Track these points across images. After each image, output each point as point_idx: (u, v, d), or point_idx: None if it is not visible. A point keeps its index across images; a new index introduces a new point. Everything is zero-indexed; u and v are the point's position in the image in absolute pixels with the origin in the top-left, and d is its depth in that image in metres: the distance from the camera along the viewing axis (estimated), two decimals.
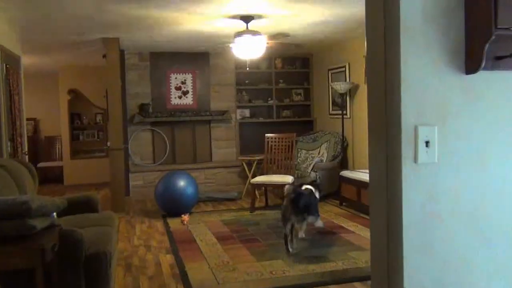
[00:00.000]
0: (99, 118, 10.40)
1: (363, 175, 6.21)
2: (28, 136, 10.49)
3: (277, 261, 4.25)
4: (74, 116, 10.24)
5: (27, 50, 7.41)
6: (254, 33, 5.26)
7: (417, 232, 1.70)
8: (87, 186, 9.59)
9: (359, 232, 5.20)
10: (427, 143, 1.75)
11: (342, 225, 5.59)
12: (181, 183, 6.30)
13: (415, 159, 1.74)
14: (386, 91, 1.78)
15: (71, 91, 9.81)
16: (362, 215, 6.07)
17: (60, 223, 2.97)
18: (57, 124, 10.08)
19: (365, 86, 6.22)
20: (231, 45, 5.37)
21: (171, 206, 6.30)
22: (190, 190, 6.33)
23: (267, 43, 5.37)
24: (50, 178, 10.50)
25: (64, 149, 9.96)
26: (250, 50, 5.34)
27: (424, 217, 1.69)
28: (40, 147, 10.80)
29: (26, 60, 8.53)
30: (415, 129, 1.73)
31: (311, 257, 4.32)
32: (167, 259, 4.45)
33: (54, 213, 4.05)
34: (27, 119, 10.54)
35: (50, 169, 10.50)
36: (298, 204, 4.35)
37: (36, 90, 10.47)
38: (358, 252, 4.44)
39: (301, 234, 4.75)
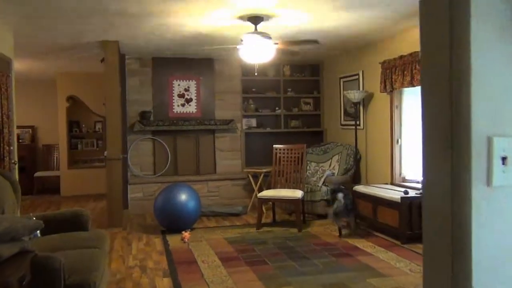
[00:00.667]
0: (98, 126, 9.99)
1: (380, 191, 5.73)
2: (25, 145, 10.14)
3: None
4: (72, 124, 9.84)
5: (23, 55, 7.04)
6: (264, 35, 4.83)
7: (491, 273, 1.28)
8: (85, 197, 9.16)
9: (377, 254, 4.71)
10: (504, 159, 1.31)
11: (357, 245, 5.09)
12: (182, 196, 5.84)
13: (489, 181, 1.30)
14: (450, 91, 1.34)
15: (70, 98, 9.41)
16: (378, 234, 5.57)
17: (34, 249, 2.49)
18: (55, 132, 9.67)
19: (380, 95, 5.72)
20: (238, 46, 4.93)
21: (171, 221, 5.84)
22: (191, 205, 5.87)
23: (276, 43, 4.93)
24: (48, 188, 10.08)
25: (61, 158, 9.53)
26: (258, 53, 4.90)
27: (500, 254, 1.30)
28: (38, 156, 10.39)
29: (23, 66, 8.17)
30: (489, 140, 1.29)
31: (328, 285, 3.83)
32: (164, 284, 3.98)
33: (38, 232, 3.61)
34: (24, 127, 10.22)
35: (47, 179, 10.07)
36: (349, 206, 5.45)
37: (34, 97, 10.13)
38: (379, 279, 3.94)
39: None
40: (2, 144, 4.93)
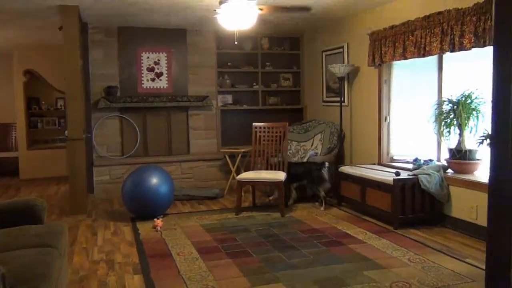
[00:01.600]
0: (60, 103, 9.22)
1: (368, 172, 5.33)
2: None
3: (278, 285, 3.32)
4: (31, 101, 9.04)
5: None
6: None
7: None
8: (47, 180, 8.47)
9: (370, 242, 4.31)
10: None
11: (347, 231, 4.69)
12: (153, 180, 5.28)
13: None
14: None
15: (27, 73, 8.59)
16: (368, 218, 5.19)
17: None
18: (12, 110, 8.85)
19: (368, 69, 5.22)
20: (217, 10, 4.34)
21: (141, 208, 5.29)
22: (164, 189, 5.32)
23: (261, 9, 4.37)
24: (6, 171, 9.30)
25: (19, 138, 8.75)
26: (238, 18, 4.33)
27: None
28: None
29: None
30: None
31: (322, 280, 3.39)
32: (135, 283, 3.46)
33: None
34: None
35: (5, 160, 9.29)
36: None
37: None
38: (376, 272, 3.54)
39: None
40: None
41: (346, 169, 5.74)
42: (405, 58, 5.21)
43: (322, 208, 5.66)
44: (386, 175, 5.02)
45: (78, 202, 5.69)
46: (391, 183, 4.76)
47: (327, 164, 5.82)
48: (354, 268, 3.63)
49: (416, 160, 5.20)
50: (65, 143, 8.27)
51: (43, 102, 9.17)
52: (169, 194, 5.41)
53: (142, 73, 7.13)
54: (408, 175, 4.91)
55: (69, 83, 5.65)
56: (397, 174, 4.94)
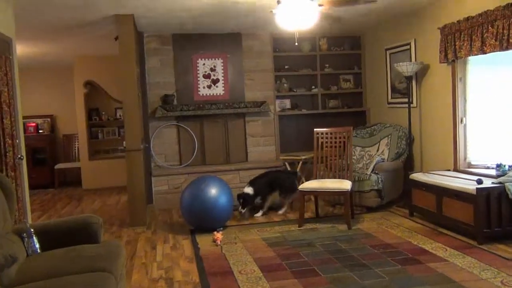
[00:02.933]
0: (119, 113, 9.29)
1: (444, 180, 4.82)
2: (45, 135, 9.56)
3: None
4: (92, 112, 9.18)
5: (33, 37, 6.39)
6: None
7: None
8: (108, 190, 8.55)
9: (453, 260, 3.84)
10: None
11: (424, 247, 4.23)
12: (212, 191, 5.07)
13: None
14: None
15: (88, 84, 8.73)
16: (445, 231, 4.69)
17: None
18: (74, 121, 9.03)
19: (439, 67, 4.64)
20: (273, 10, 4.06)
21: (201, 220, 5.09)
22: (223, 200, 5.10)
23: (321, 4, 4.03)
24: (69, 181, 9.54)
25: (81, 149, 8.90)
26: (298, 17, 4.02)
27: None
28: (58, 147, 9.81)
29: (37, 50, 7.51)
30: None
31: None
32: None
33: (38, 247, 2.89)
34: (43, 116, 9.64)
35: (68, 171, 9.52)
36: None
37: (52, 84, 9.57)
38: None
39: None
40: (2, 137, 4.23)
41: (418, 176, 5.25)
42: (484, 53, 4.67)
43: (280, 212, 5.86)
44: (466, 183, 4.51)
45: (137, 214, 5.59)
46: (473, 192, 4.25)
47: (299, 173, 6.11)
48: None
49: (499, 165, 4.65)
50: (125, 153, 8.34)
51: (103, 113, 9.30)
52: (228, 205, 5.18)
53: (199, 80, 6.99)
54: (493, 183, 4.38)
55: (125, 93, 5.58)
56: (479, 182, 4.42)
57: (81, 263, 2.59)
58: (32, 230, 2.92)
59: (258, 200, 5.78)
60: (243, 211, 5.63)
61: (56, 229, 3.08)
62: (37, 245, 2.91)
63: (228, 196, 5.19)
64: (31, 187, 8.66)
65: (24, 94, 9.14)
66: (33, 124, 9.48)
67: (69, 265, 2.56)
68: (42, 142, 9.37)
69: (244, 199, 5.66)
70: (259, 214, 5.78)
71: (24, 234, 2.91)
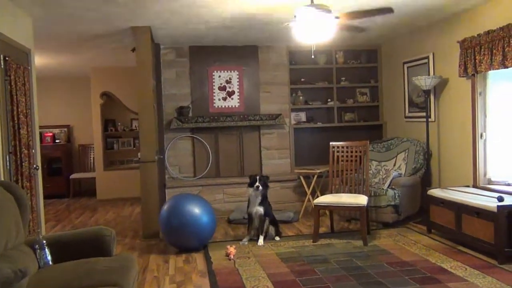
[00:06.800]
0: (135, 124, 9.35)
1: (464, 196, 4.70)
2: (61, 145, 9.63)
3: None
4: (108, 123, 9.24)
5: (51, 48, 6.47)
6: (322, 7, 3.91)
7: None
8: (122, 200, 8.56)
9: (473, 280, 3.71)
10: None
11: (443, 265, 4.11)
12: (195, 210, 4.85)
13: None
14: None
15: (104, 95, 8.80)
16: (465, 250, 4.55)
17: None
18: (90, 131, 9.10)
19: (458, 81, 4.50)
20: (290, 24, 4.04)
21: (182, 241, 4.92)
22: (205, 219, 4.89)
23: (337, 17, 3.99)
24: (84, 191, 9.60)
25: (97, 159, 8.95)
26: (316, 30, 3.99)
27: None
28: (74, 157, 9.88)
29: (55, 61, 7.61)
30: None
31: None
32: None
33: (49, 259, 2.87)
34: (60, 127, 9.74)
35: (84, 181, 9.58)
36: None
37: (69, 95, 9.68)
38: None
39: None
40: (19, 148, 4.25)
41: (436, 192, 5.13)
42: (505, 67, 4.57)
43: (260, 243, 5.08)
44: (486, 200, 4.39)
45: (151, 226, 5.55)
46: (494, 210, 4.13)
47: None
48: None
49: None
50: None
51: (119, 124, 9.36)
52: (211, 224, 4.98)
53: (214, 92, 6.99)
54: None
55: (141, 104, 5.59)
56: (500, 199, 4.29)
57: (92, 277, 2.56)
58: (44, 242, 2.90)
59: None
60: (260, 187, 5.19)
61: (69, 241, 3.06)
62: (49, 257, 2.89)
63: (210, 215, 4.97)
64: (46, 196, 8.69)
65: (42, 104, 9.24)
66: (50, 134, 9.58)
67: (80, 279, 2.53)
68: (58, 152, 9.44)
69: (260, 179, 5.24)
70: (261, 240, 5.13)
71: (37, 246, 2.89)
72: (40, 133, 9.36)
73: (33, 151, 4.62)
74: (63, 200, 9.01)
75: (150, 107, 5.62)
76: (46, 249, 2.89)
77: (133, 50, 5.68)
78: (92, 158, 9.61)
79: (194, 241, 4.87)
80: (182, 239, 4.87)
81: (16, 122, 4.21)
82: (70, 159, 9.73)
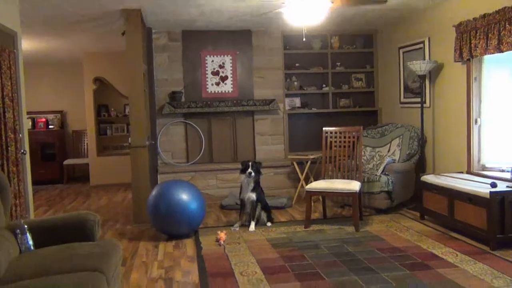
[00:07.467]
0: (128, 109, 9.23)
1: (457, 182, 4.66)
2: (54, 131, 9.55)
3: None
4: (101, 108, 9.15)
5: (41, 31, 6.34)
6: None
7: None
8: (115, 186, 8.50)
9: (464, 266, 3.68)
10: None
11: (434, 251, 4.07)
12: (183, 196, 4.76)
13: None
14: None
15: (97, 80, 8.69)
16: (457, 236, 4.52)
17: None
18: (84, 117, 9.00)
19: (453, 66, 4.37)
20: (281, 9, 3.94)
21: (170, 228, 4.85)
22: (194, 206, 4.80)
23: (332, 1, 3.90)
24: (78, 177, 9.54)
25: (90, 145, 8.87)
26: (307, 13, 3.90)
27: None
28: (68, 143, 9.80)
29: (45, 45, 7.48)
30: None
31: None
32: None
33: (31, 244, 2.82)
34: (53, 112, 9.63)
35: (77, 166, 9.53)
36: None
37: (61, 80, 9.57)
38: None
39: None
40: (4, 131, 4.17)
41: (429, 178, 5.08)
42: (501, 51, 4.49)
43: (251, 229, 5.04)
44: (479, 187, 4.34)
45: (142, 211, 5.49)
46: (487, 196, 4.08)
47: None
48: None
49: None
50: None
51: (112, 109, 9.27)
52: (200, 210, 4.88)
53: (207, 77, 6.89)
54: (507, 186, 4.20)
55: (132, 89, 5.51)
56: (493, 185, 4.24)
57: (73, 262, 2.51)
58: (25, 226, 2.84)
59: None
60: (252, 173, 5.14)
61: (52, 226, 3.00)
62: (31, 242, 2.84)
63: (199, 201, 4.89)
64: (40, 182, 8.75)
65: (34, 90, 9.22)
66: (43, 120, 9.49)
67: (60, 264, 2.48)
68: (52, 138, 9.37)
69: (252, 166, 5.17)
70: (252, 226, 5.09)
71: (18, 230, 2.83)
72: (33, 119, 9.40)
73: (20, 135, 4.54)
74: (57, 186, 8.95)
75: (140, 91, 5.54)
76: (28, 234, 2.84)
77: (123, 33, 5.57)
78: (85, 144, 9.53)
79: (182, 227, 4.81)
80: (170, 226, 4.80)
81: (1, 106, 4.12)
82: (63, 145, 9.65)
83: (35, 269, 2.41)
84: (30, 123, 9.32)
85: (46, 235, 2.95)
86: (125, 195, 7.70)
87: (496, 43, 4.51)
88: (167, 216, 4.72)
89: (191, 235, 4.92)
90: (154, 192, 4.90)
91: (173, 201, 4.71)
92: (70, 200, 7.50)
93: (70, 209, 6.78)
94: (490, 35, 4.60)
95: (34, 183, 8.26)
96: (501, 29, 4.44)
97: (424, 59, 5.88)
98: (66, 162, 9.28)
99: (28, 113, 8.65)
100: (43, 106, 9.37)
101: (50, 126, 9.57)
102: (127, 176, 8.51)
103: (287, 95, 7.21)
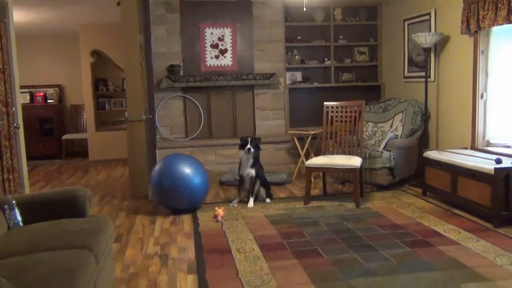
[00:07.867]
0: None
1: (460, 158, 4.54)
2: (53, 105, 9.42)
3: None
4: (99, 82, 8.99)
5: (32, 2, 6.13)
6: None
7: None
8: (114, 161, 8.42)
9: (466, 244, 3.59)
10: None
11: (436, 229, 3.99)
12: (187, 171, 4.70)
13: None
14: None
15: (94, 53, 8.51)
16: (460, 212, 4.43)
17: None
18: (82, 91, 8.86)
19: (459, 39, 4.01)
20: None
21: (173, 203, 4.79)
22: (197, 180, 4.74)
23: None
24: (77, 152, 9.46)
25: (88, 120, 8.75)
26: None
27: None
28: (66, 117, 9.69)
29: (40, 17, 7.28)
30: None
31: None
32: (188, 285, 3.05)
33: (20, 220, 2.73)
34: (52, 86, 9.48)
35: (76, 141, 9.45)
36: None
37: (59, 53, 9.38)
38: (478, 285, 2.86)
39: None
40: None
41: (432, 154, 4.97)
42: (510, 22, 4.31)
43: (250, 206, 4.96)
44: (483, 163, 4.22)
45: (139, 186, 5.44)
46: (491, 172, 3.97)
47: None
48: (448, 277, 2.97)
49: None
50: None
51: (110, 83, 9.11)
52: (204, 185, 4.84)
53: (206, 50, 6.72)
54: None
55: (128, 62, 5.36)
56: (498, 161, 4.13)
57: (61, 239, 2.42)
58: (14, 202, 2.76)
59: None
60: (252, 150, 5.04)
61: (42, 202, 2.91)
62: (19, 218, 2.75)
63: (203, 176, 4.82)
64: (38, 157, 8.67)
65: (31, 63, 9.06)
66: (41, 94, 9.36)
67: (48, 241, 2.39)
68: (50, 112, 9.25)
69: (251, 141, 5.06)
70: (251, 202, 5.01)
71: (6, 206, 2.74)
72: (31, 93, 9.26)
73: (13, 109, 4.43)
74: (56, 161, 8.88)
75: (137, 64, 5.39)
76: (16, 210, 2.75)
77: (119, 3, 5.39)
78: (84, 119, 9.41)
79: (185, 202, 4.73)
80: (173, 200, 4.74)
81: None
82: (62, 120, 9.54)
83: (23, 246, 2.32)
84: (29, 97, 9.19)
85: (35, 211, 2.86)
86: (124, 170, 7.61)
87: (505, 13, 4.32)
88: (171, 191, 4.65)
89: (192, 211, 4.84)
90: (158, 166, 4.83)
91: (178, 175, 4.64)
92: (68, 175, 7.43)
93: (68, 184, 6.72)
94: (499, 5, 4.40)
95: (32, 158, 8.20)
96: None
97: (430, 32, 5.68)
98: (64, 137, 9.18)
99: (25, 87, 8.64)
100: (41, 80, 9.23)
101: (48, 101, 9.43)
102: (126, 151, 8.46)
103: (288, 69, 7.04)
